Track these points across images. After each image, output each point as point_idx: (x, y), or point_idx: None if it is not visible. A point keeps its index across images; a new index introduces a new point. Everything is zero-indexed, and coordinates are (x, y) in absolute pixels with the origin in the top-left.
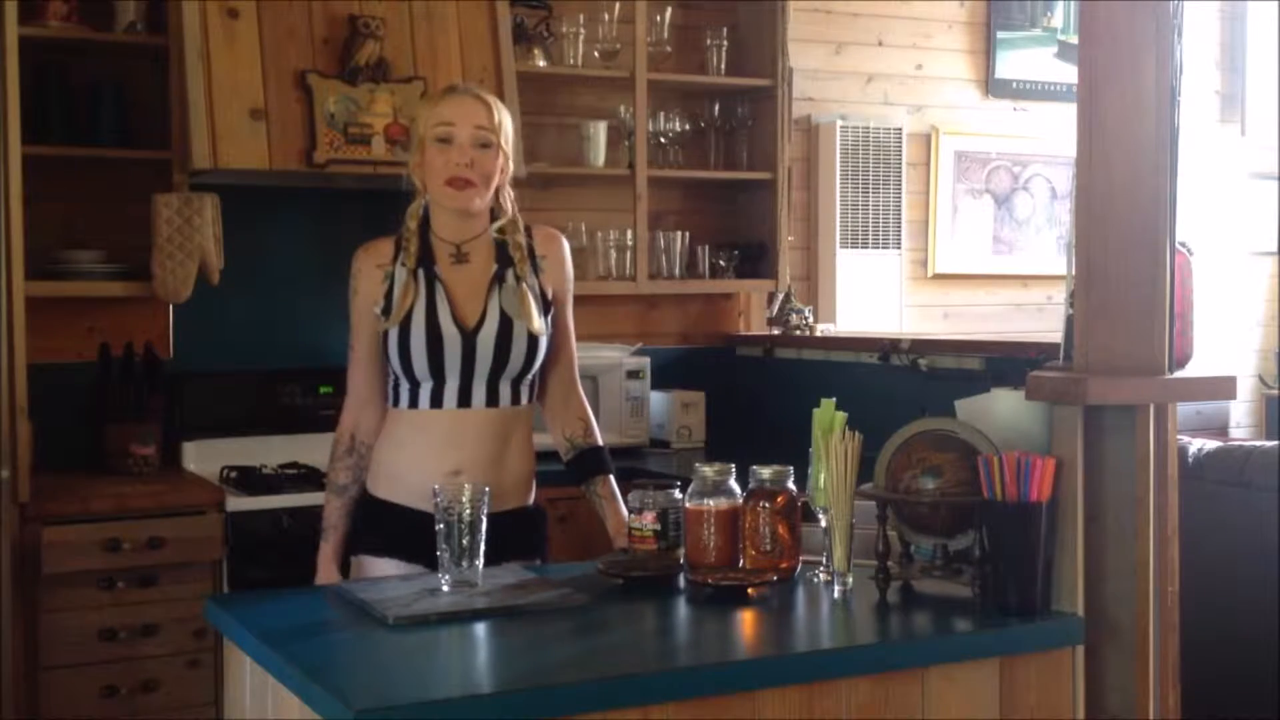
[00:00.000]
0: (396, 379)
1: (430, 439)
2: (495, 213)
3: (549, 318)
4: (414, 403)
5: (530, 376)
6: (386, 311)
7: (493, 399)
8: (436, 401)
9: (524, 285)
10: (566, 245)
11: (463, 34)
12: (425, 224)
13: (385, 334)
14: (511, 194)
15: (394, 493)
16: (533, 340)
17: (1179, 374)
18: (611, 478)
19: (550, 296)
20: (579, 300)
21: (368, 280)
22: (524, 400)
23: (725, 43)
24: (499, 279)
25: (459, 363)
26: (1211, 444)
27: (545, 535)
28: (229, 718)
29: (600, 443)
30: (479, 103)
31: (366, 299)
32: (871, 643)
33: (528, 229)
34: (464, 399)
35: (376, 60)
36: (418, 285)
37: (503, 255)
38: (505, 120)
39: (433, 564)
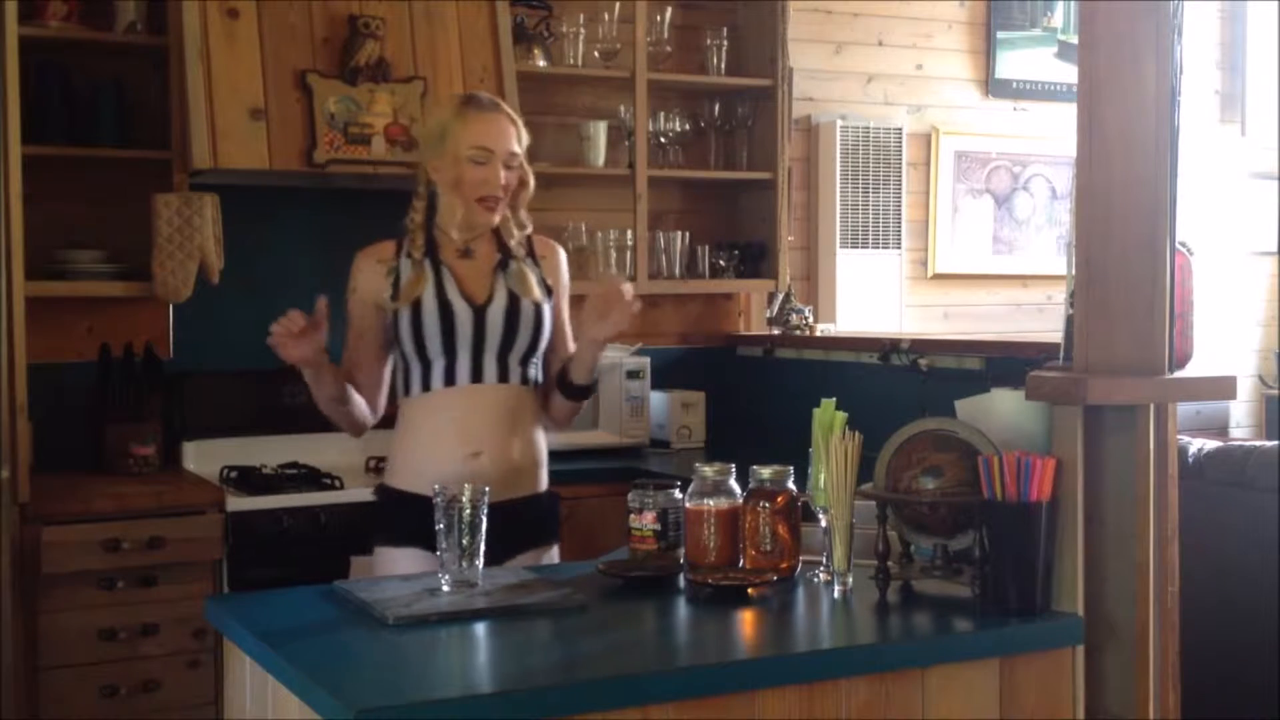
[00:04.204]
0: (407, 367)
1: (448, 419)
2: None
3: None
4: (427, 385)
5: (536, 358)
6: (395, 297)
7: (503, 375)
8: (450, 379)
9: (525, 268)
10: (564, 255)
11: (463, 34)
12: (429, 219)
13: (395, 317)
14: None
15: (414, 483)
16: (539, 316)
17: (1179, 374)
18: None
19: (549, 285)
20: (580, 301)
21: (369, 275)
22: (530, 382)
23: (725, 43)
24: (503, 265)
25: (470, 337)
26: (1211, 444)
27: (559, 520)
28: (229, 718)
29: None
30: (511, 126)
31: (366, 293)
32: (871, 643)
33: (528, 237)
34: (476, 374)
35: (376, 60)
36: (425, 271)
37: (504, 247)
38: (525, 138)
39: None
